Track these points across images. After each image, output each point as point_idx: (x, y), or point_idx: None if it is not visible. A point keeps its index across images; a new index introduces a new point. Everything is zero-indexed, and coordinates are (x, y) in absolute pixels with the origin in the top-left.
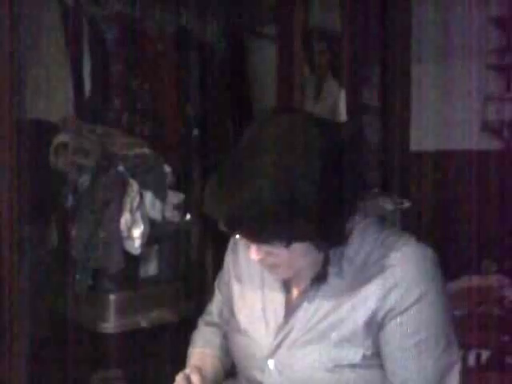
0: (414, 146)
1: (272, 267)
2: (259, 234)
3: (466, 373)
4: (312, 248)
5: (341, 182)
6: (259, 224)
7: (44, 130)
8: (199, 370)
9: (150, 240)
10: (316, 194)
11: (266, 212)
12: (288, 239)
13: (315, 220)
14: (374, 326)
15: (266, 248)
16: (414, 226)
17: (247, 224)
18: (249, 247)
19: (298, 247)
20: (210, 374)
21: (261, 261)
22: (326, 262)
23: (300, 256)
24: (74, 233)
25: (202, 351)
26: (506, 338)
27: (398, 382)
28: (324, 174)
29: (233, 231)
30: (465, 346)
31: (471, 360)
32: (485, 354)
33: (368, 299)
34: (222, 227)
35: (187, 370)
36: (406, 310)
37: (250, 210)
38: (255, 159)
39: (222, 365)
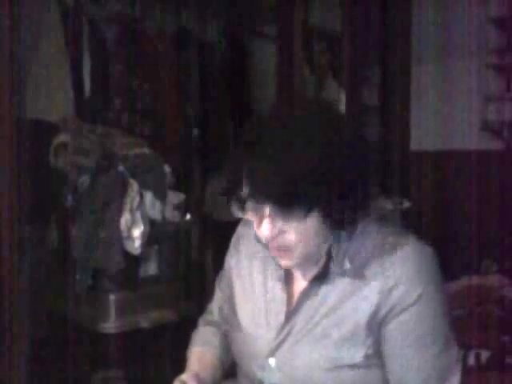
0: (414, 146)
1: (281, 251)
2: (284, 197)
3: (465, 373)
4: (323, 227)
5: (364, 155)
6: (286, 185)
7: (44, 130)
8: (196, 377)
9: (150, 240)
10: (342, 163)
11: (294, 172)
12: (309, 203)
13: (338, 185)
14: (375, 325)
15: (280, 223)
16: (414, 225)
17: (270, 184)
18: (260, 225)
19: (312, 223)
20: (208, 377)
21: (272, 239)
22: (327, 261)
23: (312, 234)
24: (74, 233)
25: (202, 351)
26: (506, 338)
27: (398, 381)
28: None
29: (253, 196)
30: (465, 346)
31: (471, 360)
32: (485, 354)
33: (369, 298)
34: (239, 201)
35: (183, 376)
36: (407, 308)
37: (280, 170)
38: (284, 126)
39: (222, 364)
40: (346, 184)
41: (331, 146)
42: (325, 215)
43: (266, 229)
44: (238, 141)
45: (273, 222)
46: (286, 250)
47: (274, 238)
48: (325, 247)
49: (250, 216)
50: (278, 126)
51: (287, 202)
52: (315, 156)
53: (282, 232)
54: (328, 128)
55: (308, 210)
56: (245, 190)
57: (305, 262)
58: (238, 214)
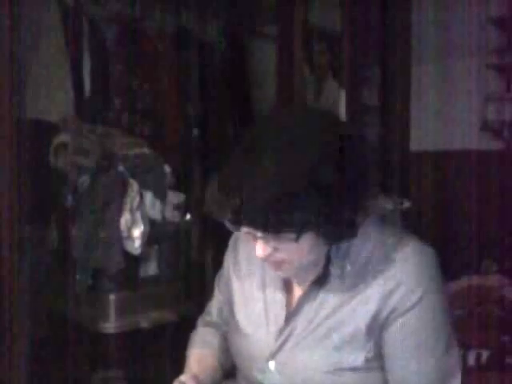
0: (413, 146)
1: (277, 264)
2: (272, 223)
3: (465, 373)
4: (320, 242)
5: (356, 167)
6: (273, 211)
7: (44, 130)
8: (196, 378)
9: (150, 240)
10: (331, 179)
11: (279, 197)
12: (300, 227)
13: (329, 205)
14: (376, 328)
15: (273, 243)
16: (414, 225)
17: (261, 211)
18: (254, 242)
19: (306, 241)
20: (207, 378)
21: (266, 257)
22: (327, 263)
23: (307, 251)
24: (74, 233)
25: (201, 352)
26: (506, 338)
27: (399, 383)
28: (339, 157)
29: (245, 224)
30: (465, 346)
31: (471, 360)
32: (485, 354)
33: (369, 301)
34: (231, 222)
35: (183, 378)
36: (408, 311)
37: (264, 196)
38: (268, 145)
39: (221, 365)
40: (345, 187)
41: (328, 160)
42: (320, 234)
43: (259, 249)
44: (237, 143)
45: (265, 242)
46: (282, 263)
47: (268, 255)
48: (324, 252)
49: (244, 232)
50: (266, 154)
51: (276, 230)
52: (307, 176)
53: (276, 249)
54: (324, 141)
55: (300, 233)
56: (237, 216)
57: (303, 269)
58: (233, 229)
